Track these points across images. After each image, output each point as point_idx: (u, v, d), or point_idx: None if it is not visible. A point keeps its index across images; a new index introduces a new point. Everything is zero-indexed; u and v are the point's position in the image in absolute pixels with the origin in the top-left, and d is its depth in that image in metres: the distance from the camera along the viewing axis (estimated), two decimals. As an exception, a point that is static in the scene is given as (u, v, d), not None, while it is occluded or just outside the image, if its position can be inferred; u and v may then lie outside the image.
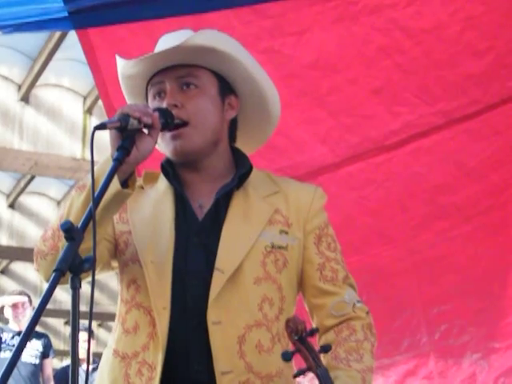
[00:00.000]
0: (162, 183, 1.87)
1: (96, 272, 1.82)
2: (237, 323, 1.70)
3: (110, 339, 1.84)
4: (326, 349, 1.61)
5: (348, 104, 2.82)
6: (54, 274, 1.31)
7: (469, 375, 3.08)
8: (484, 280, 3.03)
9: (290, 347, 1.63)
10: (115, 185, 1.58)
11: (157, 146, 1.95)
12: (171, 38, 1.85)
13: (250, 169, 1.85)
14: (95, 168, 1.52)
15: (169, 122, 1.74)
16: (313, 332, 1.59)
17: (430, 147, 2.91)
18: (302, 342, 1.58)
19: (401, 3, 2.67)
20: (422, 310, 3.05)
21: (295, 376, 1.61)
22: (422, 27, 2.71)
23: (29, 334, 1.25)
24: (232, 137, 1.92)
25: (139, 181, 1.89)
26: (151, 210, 1.83)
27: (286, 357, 1.57)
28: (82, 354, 6.73)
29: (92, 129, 1.52)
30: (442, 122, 2.85)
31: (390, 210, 2.98)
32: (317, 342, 1.84)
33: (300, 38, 2.69)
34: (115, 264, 1.86)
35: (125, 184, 1.64)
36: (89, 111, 9.37)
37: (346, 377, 1.69)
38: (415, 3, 2.67)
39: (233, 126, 1.91)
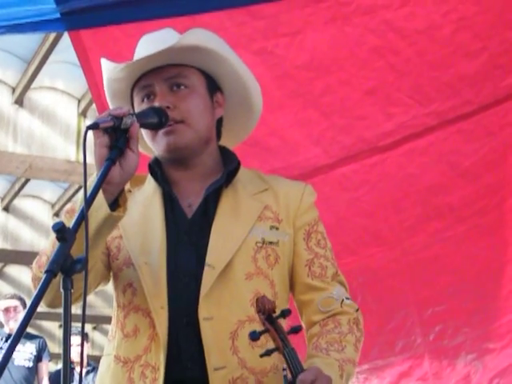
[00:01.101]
0: (150, 184, 1.87)
1: (95, 287, 1.83)
2: (229, 319, 1.70)
3: (107, 347, 1.83)
4: (295, 329, 1.60)
5: (341, 105, 2.82)
6: (44, 275, 1.30)
7: (463, 376, 3.08)
8: (478, 281, 3.03)
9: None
10: (104, 209, 1.56)
11: (143, 149, 1.94)
12: (154, 39, 1.85)
13: (237, 165, 1.85)
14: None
15: (163, 120, 1.73)
16: (284, 313, 1.58)
17: (423, 148, 2.91)
18: (270, 321, 1.58)
19: (394, 4, 2.67)
20: (417, 311, 3.05)
21: (262, 356, 1.59)
22: (415, 28, 2.70)
23: (19, 335, 1.24)
24: (218, 134, 1.92)
25: (126, 185, 1.89)
26: (140, 212, 1.82)
27: (253, 336, 1.57)
28: (77, 356, 6.74)
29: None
30: (436, 123, 2.85)
31: (383, 211, 2.98)
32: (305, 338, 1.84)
33: (293, 38, 2.68)
34: (111, 273, 1.85)
35: (115, 204, 1.62)
36: (83, 114, 9.35)
37: (322, 363, 1.66)
38: (408, 4, 2.67)
39: (219, 123, 1.92)
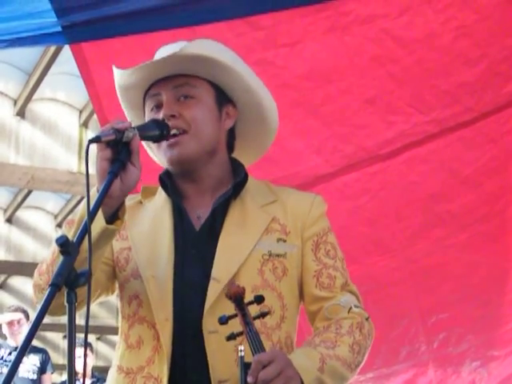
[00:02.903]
0: (161, 196, 1.87)
1: (95, 297, 1.83)
2: (233, 331, 1.67)
3: (114, 358, 1.83)
4: (264, 314, 1.61)
5: (342, 114, 2.83)
6: (49, 289, 1.31)
7: (468, 383, 3.08)
8: (481, 288, 3.04)
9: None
10: (100, 222, 1.56)
11: (154, 157, 1.96)
12: (167, 49, 1.85)
13: (244, 178, 1.85)
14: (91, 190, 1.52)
15: (164, 133, 1.74)
16: (256, 300, 1.59)
17: (424, 156, 2.91)
18: (238, 306, 1.59)
19: (393, 13, 2.69)
20: (420, 318, 3.05)
21: (227, 339, 1.60)
22: (414, 37, 2.72)
23: (25, 348, 1.25)
24: (230, 146, 1.92)
25: (138, 196, 1.90)
26: (150, 224, 1.83)
27: (222, 320, 1.59)
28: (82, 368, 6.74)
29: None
30: (437, 131, 2.86)
31: (385, 219, 2.98)
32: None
33: (292, 48, 2.69)
34: (115, 286, 1.86)
35: (115, 217, 1.62)
36: (85, 125, 9.38)
37: (301, 354, 1.64)
38: (407, 13, 2.69)
39: (231, 135, 1.91)
